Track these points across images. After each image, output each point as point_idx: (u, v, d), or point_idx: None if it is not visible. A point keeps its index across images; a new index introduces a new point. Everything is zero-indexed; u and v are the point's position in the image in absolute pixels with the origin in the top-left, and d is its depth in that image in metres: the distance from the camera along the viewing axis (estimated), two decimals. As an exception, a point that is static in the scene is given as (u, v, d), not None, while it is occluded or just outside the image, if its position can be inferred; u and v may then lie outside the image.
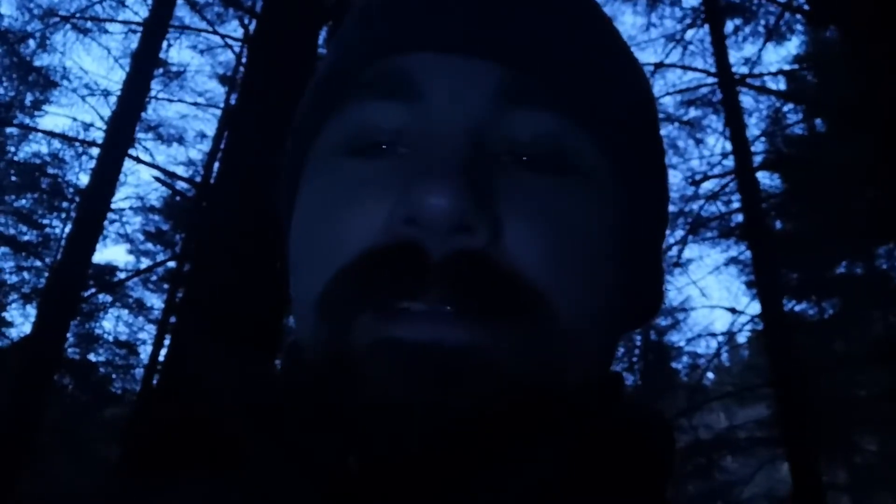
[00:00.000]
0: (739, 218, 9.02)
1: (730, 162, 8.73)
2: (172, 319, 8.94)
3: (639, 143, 0.50)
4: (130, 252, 12.33)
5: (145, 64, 7.63)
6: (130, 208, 11.40)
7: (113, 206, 8.69)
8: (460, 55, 0.45)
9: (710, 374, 13.11)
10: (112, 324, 11.81)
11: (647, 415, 0.45)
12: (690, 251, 16.54)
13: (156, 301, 11.87)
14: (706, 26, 8.86)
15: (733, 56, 10.74)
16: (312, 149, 0.49)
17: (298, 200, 0.48)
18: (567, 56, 0.46)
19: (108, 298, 11.39)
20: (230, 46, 9.24)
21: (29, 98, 11.23)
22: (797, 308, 10.41)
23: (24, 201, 11.86)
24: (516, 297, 0.40)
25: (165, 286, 10.99)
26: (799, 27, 9.53)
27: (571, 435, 0.40)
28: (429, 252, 0.39)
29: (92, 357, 11.68)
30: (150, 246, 12.28)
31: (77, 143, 10.44)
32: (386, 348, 0.38)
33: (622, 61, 0.51)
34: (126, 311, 11.79)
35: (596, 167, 0.46)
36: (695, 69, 9.03)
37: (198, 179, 9.82)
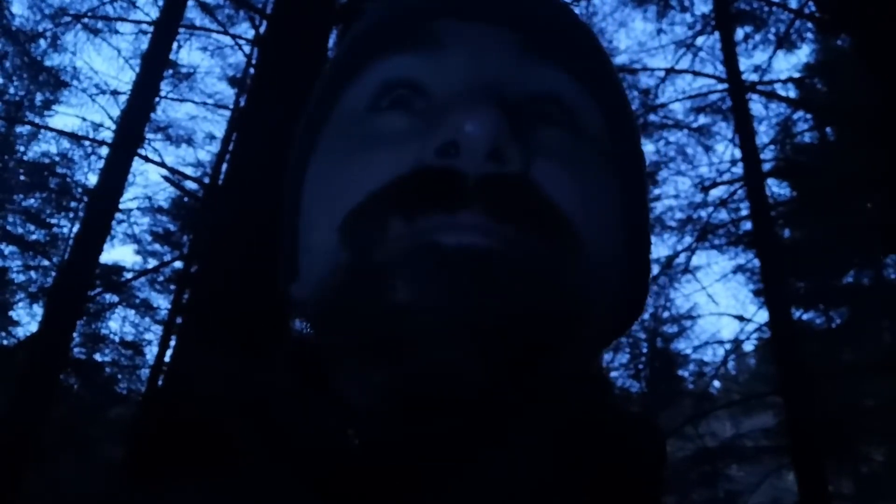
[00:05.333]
0: (748, 225, 9.00)
1: (739, 169, 8.73)
2: (179, 320, 8.95)
3: (627, 115, 0.53)
4: (138, 252, 12.34)
5: (155, 64, 7.65)
6: (138, 209, 11.41)
7: (121, 206, 8.71)
8: (479, 21, 0.47)
9: (716, 383, 13.09)
10: (118, 324, 11.82)
11: (639, 421, 0.45)
12: (698, 258, 16.51)
13: (162, 302, 11.88)
14: (716, 33, 8.85)
15: (743, 63, 10.72)
16: (330, 117, 0.50)
17: (316, 155, 0.49)
18: (569, 26, 0.49)
19: (115, 298, 11.40)
20: (240, 47, 9.27)
21: (39, 98, 11.29)
22: (805, 317, 10.38)
23: (32, 200, 11.90)
24: (550, 219, 0.41)
25: (172, 287, 11.00)
26: (809, 35, 9.52)
27: (562, 421, 0.40)
28: (465, 174, 0.40)
29: (98, 357, 11.70)
30: (157, 246, 12.29)
31: (86, 143, 10.47)
32: (424, 251, 0.38)
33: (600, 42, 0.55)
34: (132, 312, 11.79)
35: (602, 135, 0.49)
36: (705, 75, 9.02)
37: (206, 181, 9.83)
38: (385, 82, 0.47)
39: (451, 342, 0.37)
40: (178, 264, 11.11)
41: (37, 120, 11.36)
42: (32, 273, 11.93)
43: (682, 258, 9.62)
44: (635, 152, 0.53)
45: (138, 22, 9.12)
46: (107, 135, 9.86)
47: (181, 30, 8.46)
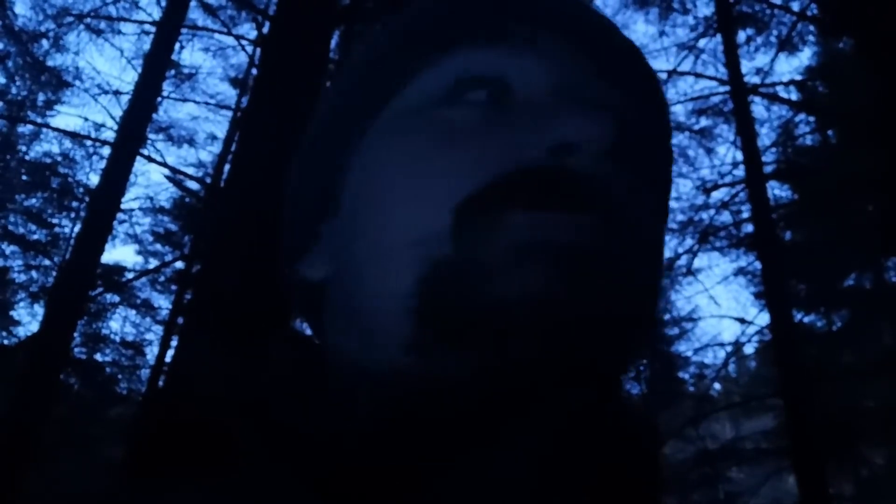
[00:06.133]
0: (749, 228, 9.00)
1: (740, 171, 8.72)
2: (180, 320, 8.95)
3: (668, 150, 0.54)
4: (139, 252, 12.32)
5: (158, 65, 7.65)
6: (140, 209, 11.41)
7: (122, 206, 8.71)
8: (554, 32, 0.49)
9: (717, 385, 13.07)
10: (119, 324, 11.82)
11: (637, 420, 0.46)
12: (700, 260, 16.50)
13: (163, 302, 11.88)
14: (718, 35, 8.84)
15: (745, 65, 10.72)
16: (388, 107, 0.49)
17: (372, 144, 0.48)
18: (630, 57, 0.51)
19: (116, 298, 11.40)
20: (243, 48, 9.27)
21: (41, 97, 11.30)
22: (806, 319, 10.37)
23: (34, 200, 11.90)
24: (642, 230, 0.43)
25: (173, 287, 11.00)
26: (811, 38, 9.51)
27: (563, 421, 0.40)
28: (581, 175, 0.41)
29: (98, 357, 11.70)
30: (158, 247, 12.28)
31: (88, 143, 10.49)
32: (537, 247, 0.39)
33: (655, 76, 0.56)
34: (133, 312, 11.79)
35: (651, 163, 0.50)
36: (707, 77, 9.02)
37: (208, 181, 9.84)
38: (465, 76, 0.47)
39: (549, 338, 0.37)
40: (179, 264, 11.13)
41: (39, 120, 11.38)
42: (33, 273, 11.94)
43: (683, 260, 9.61)
44: (667, 179, 0.55)
45: (141, 22, 9.14)
46: (109, 135, 9.89)
47: (184, 30, 8.47)
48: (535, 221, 0.39)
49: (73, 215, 11.98)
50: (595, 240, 0.39)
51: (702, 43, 9.25)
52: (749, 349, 11.33)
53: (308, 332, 0.56)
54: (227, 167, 9.45)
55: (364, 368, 0.43)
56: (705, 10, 9.67)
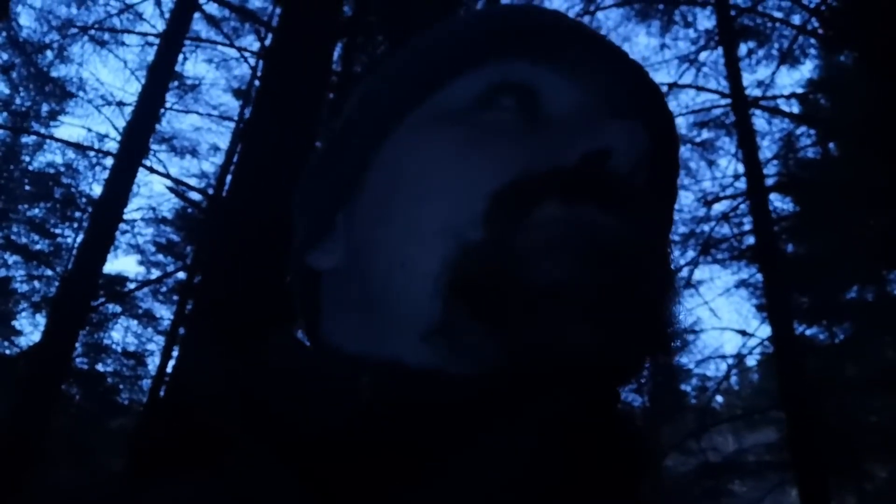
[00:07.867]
0: (751, 240, 8.99)
1: (742, 184, 8.72)
2: (181, 331, 8.95)
3: (675, 188, 0.57)
4: (141, 263, 12.35)
5: (161, 76, 7.68)
6: (142, 219, 11.42)
7: (125, 216, 8.72)
8: (585, 59, 0.51)
9: (719, 397, 13.03)
10: (121, 334, 11.81)
11: (623, 419, 0.46)
12: (701, 272, 16.45)
13: (165, 312, 11.87)
14: (720, 48, 8.87)
15: (746, 78, 10.73)
16: (419, 108, 0.50)
17: (414, 143, 0.49)
18: (652, 93, 0.54)
19: (118, 309, 11.40)
20: (246, 59, 9.31)
21: (45, 108, 11.33)
22: (808, 332, 10.33)
23: (36, 210, 11.92)
24: (665, 235, 0.48)
25: (175, 297, 11.00)
26: (813, 51, 9.53)
27: (554, 418, 0.41)
28: (611, 173, 0.43)
29: (100, 367, 11.69)
30: (160, 257, 12.29)
31: (91, 153, 10.52)
32: (578, 238, 0.41)
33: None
34: (135, 322, 11.79)
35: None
36: (708, 90, 9.04)
37: (210, 192, 9.85)
38: (496, 83, 0.49)
39: (578, 326, 0.39)
40: (181, 275, 11.12)
41: (42, 130, 11.41)
42: (36, 283, 11.96)
43: (684, 272, 9.60)
44: (675, 189, 0.57)
45: (145, 34, 9.19)
46: (112, 145, 9.93)
47: (187, 42, 8.51)
48: (569, 215, 0.41)
49: (75, 225, 12.00)
50: (625, 237, 0.41)
51: (703, 56, 9.31)
52: (751, 362, 11.33)
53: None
54: (229, 178, 9.46)
55: (368, 359, 0.43)
56: (707, 23, 9.73)
